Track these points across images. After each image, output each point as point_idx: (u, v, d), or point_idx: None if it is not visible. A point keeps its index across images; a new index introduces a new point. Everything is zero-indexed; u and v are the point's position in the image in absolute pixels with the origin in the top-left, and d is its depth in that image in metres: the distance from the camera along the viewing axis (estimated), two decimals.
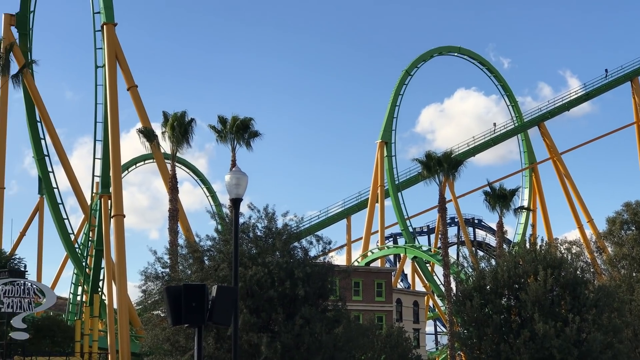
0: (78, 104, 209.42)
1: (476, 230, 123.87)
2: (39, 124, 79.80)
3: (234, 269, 24.22)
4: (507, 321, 52.39)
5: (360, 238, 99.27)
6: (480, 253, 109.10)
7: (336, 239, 51.73)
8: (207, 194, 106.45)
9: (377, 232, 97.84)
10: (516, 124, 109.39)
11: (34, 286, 52.62)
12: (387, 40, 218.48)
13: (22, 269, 56.27)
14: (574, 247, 55.87)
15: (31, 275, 67.14)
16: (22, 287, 50.51)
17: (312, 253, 47.38)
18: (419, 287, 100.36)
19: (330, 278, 47.50)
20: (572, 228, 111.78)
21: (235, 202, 24.62)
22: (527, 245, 57.25)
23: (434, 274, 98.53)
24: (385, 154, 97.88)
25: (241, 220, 45.21)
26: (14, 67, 59.11)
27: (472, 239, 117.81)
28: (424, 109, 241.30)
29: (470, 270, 58.41)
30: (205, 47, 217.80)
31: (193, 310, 18.85)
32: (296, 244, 47.54)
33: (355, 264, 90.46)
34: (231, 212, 48.17)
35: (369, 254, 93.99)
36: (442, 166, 71.04)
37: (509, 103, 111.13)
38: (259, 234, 46.58)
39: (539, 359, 49.97)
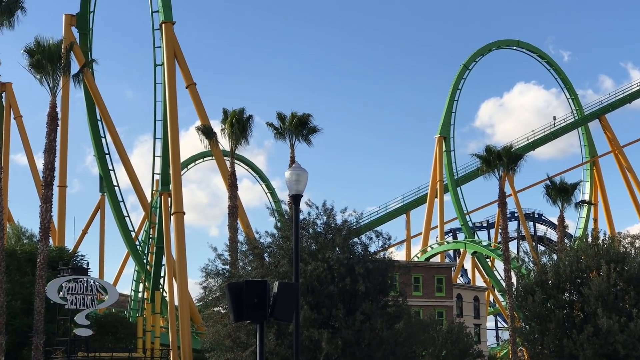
0: (138, 102, 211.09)
1: (536, 224, 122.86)
2: (99, 123, 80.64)
3: (295, 265, 24.21)
4: (570, 316, 51.94)
5: (420, 233, 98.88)
6: (541, 248, 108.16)
7: (396, 235, 51.65)
8: (266, 191, 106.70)
9: (436, 227, 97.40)
10: (576, 117, 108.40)
11: (97, 283, 53.21)
12: (445, 35, 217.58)
13: (85, 267, 56.84)
14: (637, 241, 55.14)
15: (93, 273, 67.75)
16: (85, 284, 51.13)
17: (372, 249, 47.31)
18: (479, 282, 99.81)
19: (391, 274, 47.40)
20: (635, 222, 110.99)
21: (296, 199, 24.60)
22: (589, 239, 56.64)
23: (494, 269, 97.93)
24: (444, 148, 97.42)
25: (301, 217, 45.24)
26: (75, 67, 59.60)
27: (533, 233, 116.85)
28: (483, 104, 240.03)
29: (532, 265, 57.97)
30: (264, 45, 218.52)
31: (255, 306, 18.89)
32: (356, 239, 47.47)
33: (415, 259, 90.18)
34: (290, 209, 48.34)
35: (429, 249, 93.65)
36: (502, 160, 70.55)
37: (569, 96, 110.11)
38: (318, 230, 46.58)
39: (602, 355, 49.45)
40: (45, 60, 55.21)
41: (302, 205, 46.42)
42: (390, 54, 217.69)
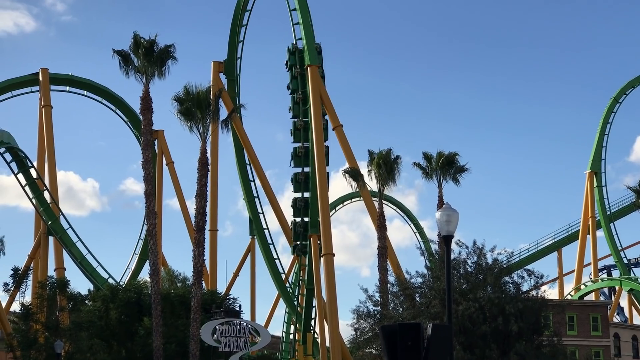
0: (288, 145, 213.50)
1: None
2: (248, 167, 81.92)
3: (447, 307, 23.95)
4: None
5: (572, 271, 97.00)
6: None
7: (548, 273, 50.55)
8: (415, 231, 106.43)
9: (589, 264, 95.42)
10: None
11: (249, 326, 53.59)
12: (594, 68, 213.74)
13: (237, 309, 57.45)
14: None
15: (245, 315, 68.62)
16: (238, 327, 51.50)
17: (524, 287, 46.51)
18: (637, 320, 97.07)
19: (544, 313, 46.47)
20: None
21: (447, 239, 24.39)
22: None
23: None
24: (595, 184, 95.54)
25: (451, 257, 44.86)
26: (223, 113, 60.76)
27: None
28: (638, 137, 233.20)
29: None
30: (408, 83, 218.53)
31: (409, 349, 18.78)
32: (507, 278, 46.74)
33: (568, 297, 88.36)
34: (441, 248, 48.03)
35: (582, 287, 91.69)
36: None
37: None
38: (469, 269, 46.07)
39: None
40: (195, 107, 56.35)
41: (453, 245, 46.04)
42: (536, 88, 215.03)
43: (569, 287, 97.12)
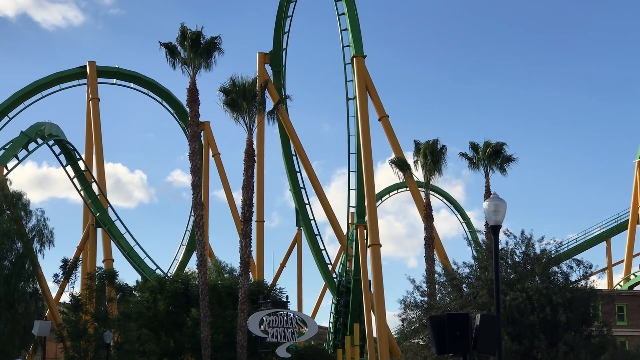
0: (335, 135, 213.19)
1: None
2: (294, 158, 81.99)
3: (496, 297, 23.86)
4: None
5: (622, 261, 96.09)
6: None
7: (597, 263, 50.11)
8: (462, 221, 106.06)
9: (639, 254, 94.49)
10: None
11: (296, 316, 53.81)
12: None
13: (284, 300, 57.64)
14: None
15: (292, 305, 68.73)
16: (285, 318, 51.74)
17: (573, 278, 46.17)
18: None
19: (593, 303, 46.08)
20: None
21: (495, 229, 24.30)
22: None
23: None
24: None
25: (499, 247, 44.61)
26: (269, 104, 60.85)
27: None
28: None
29: None
30: (454, 74, 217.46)
31: (457, 339, 18.79)
32: (556, 268, 46.42)
33: (618, 287, 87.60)
34: (487, 238, 47.79)
35: (632, 277, 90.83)
36: None
37: None
38: (517, 259, 45.81)
39: None
40: (241, 98, 56.51)
41: (500, 235, 45.73)
42: (585, 78, 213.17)
43: (618, 277, 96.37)
